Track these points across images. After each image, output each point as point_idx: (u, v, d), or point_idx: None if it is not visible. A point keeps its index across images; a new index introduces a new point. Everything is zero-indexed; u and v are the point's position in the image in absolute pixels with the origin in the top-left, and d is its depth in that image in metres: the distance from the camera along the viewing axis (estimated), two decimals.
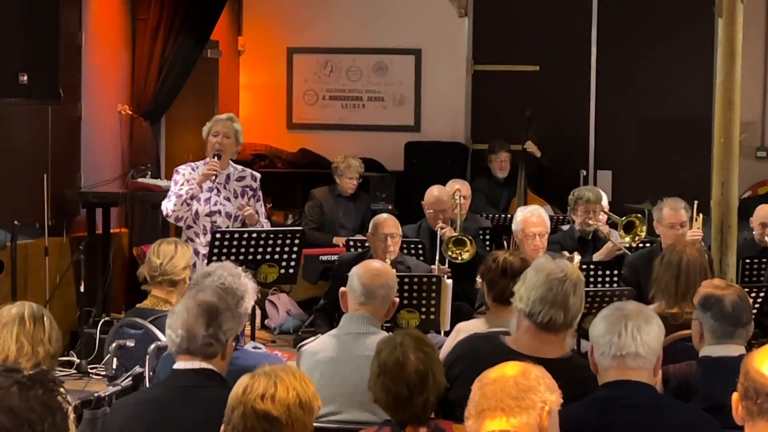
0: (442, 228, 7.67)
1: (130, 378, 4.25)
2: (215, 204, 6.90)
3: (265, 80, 11.37)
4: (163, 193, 7.23)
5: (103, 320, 7.65)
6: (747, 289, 4.64)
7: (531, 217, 6.92)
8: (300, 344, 4.56)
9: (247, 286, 4.28)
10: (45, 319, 3.89)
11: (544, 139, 10.20)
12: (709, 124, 9.87)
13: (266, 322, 9.22)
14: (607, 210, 7.79)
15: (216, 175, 6.86)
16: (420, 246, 7.65)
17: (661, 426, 3.43)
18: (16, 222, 7.55)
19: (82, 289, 7.91)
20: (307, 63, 11.28)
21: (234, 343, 3.76)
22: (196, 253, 6.68)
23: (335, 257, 8.18)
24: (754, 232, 7.85)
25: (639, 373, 3.46)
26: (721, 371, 4.02)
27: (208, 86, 10.59)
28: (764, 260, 7.28)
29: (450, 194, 8.00)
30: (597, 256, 7.27)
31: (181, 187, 6.82)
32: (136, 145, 9.20)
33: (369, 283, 4.38)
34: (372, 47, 11.13)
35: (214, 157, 6.85)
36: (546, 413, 2.77)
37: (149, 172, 8.69)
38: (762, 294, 5.99)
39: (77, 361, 7.50)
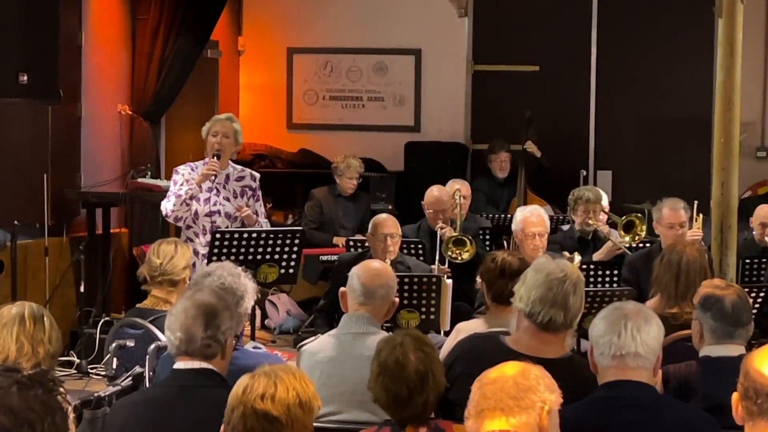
0: (442, 228, 7.67)
1: (130, 378, 4.25)
2: (215, 204, 6.89)
3: (265, 80, 11.37)
4: (163, 193, 7.23)
5: (103, 320, 7.64)
6: (747, 289, 4.63)
7: (531, 217, 6.92)
8: (300, 344, 4.56)
9: (247, 286, 4.28)
10: (45, 319, 3.89)
11: (544, 139, 10.19)
12: (709, 124, 9.87)
13: (266, 322, 9.21)
14: (607, 210, 7.79)
15: (215, 175, 6.86)
16: (420, 246, 7.65)
17: (661, 426, 3.43)
18: (16, 222, 7.56)
19: (82, 289, 7.90)
20: (307, 63, 11.27)
21: (234, 341, 3.76)
22: (196, 253, 6.68)
23: (335, 257, 8.18)
24: (754, 232, 7.84)
25: (639, 373, 3.46)
26: (721, 371, 4.02)
27: (208, 86, 10.59)
28: (764, 260, 7.28)
29: (450, 194, 8.00)
30: (597, 256, 7.27)
31: (181, 187, 6.82)
32: (136, 145, 9.19)
33: (369, 283, 4.38)
34: (372, 47, 11.12)
35: (213, 157, 6.85)
36: (546, 413, 2.77)
37: (149, 172, 8.69)
38: (762, 294, 5.98)
39: (77, 361, 7.48)
